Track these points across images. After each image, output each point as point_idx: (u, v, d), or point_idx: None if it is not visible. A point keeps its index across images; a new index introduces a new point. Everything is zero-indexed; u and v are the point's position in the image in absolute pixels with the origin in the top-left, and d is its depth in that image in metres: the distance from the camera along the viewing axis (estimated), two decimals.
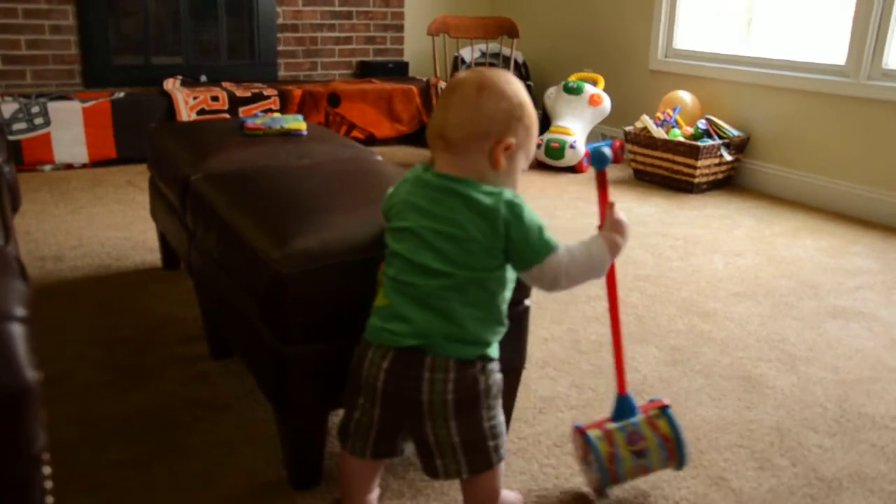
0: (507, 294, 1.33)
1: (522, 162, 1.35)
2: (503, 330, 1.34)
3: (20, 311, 0.67)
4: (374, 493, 1.45)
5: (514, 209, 1.26)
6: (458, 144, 1.29)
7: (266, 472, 1.57)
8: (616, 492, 1.54)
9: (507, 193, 1.28)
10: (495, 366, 1.32)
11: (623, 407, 1.53)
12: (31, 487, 0.66)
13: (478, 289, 1.26)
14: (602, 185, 1.44)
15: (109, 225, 3.13)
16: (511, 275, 1.32)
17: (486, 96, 1.29)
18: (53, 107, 3.94)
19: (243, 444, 1.67)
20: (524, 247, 1.25)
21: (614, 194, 3.90)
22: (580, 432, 1.50)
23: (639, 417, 1.51)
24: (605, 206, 1.42)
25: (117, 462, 1.59)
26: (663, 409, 1.51)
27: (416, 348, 1.25)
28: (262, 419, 1.75)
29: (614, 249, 1.36)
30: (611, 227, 1.38)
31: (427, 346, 1.25)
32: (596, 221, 1.45)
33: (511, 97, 1.30)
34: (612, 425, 1.50)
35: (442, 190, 1.28)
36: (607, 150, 1.41)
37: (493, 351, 1.31)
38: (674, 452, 1.49)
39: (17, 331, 0.65)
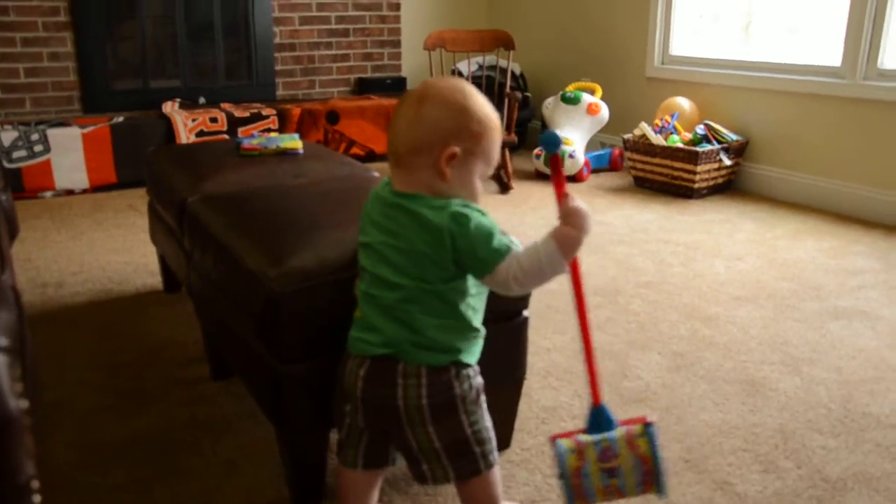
0: (474, 301, 1.31)
1: (479, 168, 1.30)
2: (477, 335, 1.33)
3: (3, 342, 0.67)
4: None
5: (460, 220, 1.23)
6: (404, 159, 1.28)
7: (267, 491, 1.57)
8: (621, 501, 1.53)
9: (455, 204, 1.25)
10: (472, 371, 1.32)
11: (597, 418, 1.36)
12: None
13: (436, 299, 1.26)
14: (555, 169, 1.32)
15: (110, 249, 3.14)
16: (474, 282, 1.30)
17: (426, 107, 1.27)
18: (53, 133, 3.96)
19: (245, 463, 1.66)
20: (472, 257, 1.24)
21: (616, 202, 3.90)
22: (552, 441, 1.36)
23: (617, 432, 1.33)
24: (561, 191, 1.31)
25: (118, 486, 1.59)
26: (645, 427, 1.31)
27: (388, 357, 1.27)
28: (263, 438, 1.75)
29: (569, 245, 1.26)
30: (565, 219, 1.28)
31: (398, 354, 1.27)
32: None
33: (452, 104, 1.26)
34: (585, 437, 1.33)
35: (393, 206, 1.29)
36: (557, 132, 1.36)
37: (468, 357, 1.31)
38: (650, 477, 1.30)
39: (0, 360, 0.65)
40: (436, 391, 1.27)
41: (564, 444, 1.32)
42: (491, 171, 1.33)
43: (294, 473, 1.50)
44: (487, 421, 1.35)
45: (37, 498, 0.69)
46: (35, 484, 0.68)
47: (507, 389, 1.62)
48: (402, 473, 1.60)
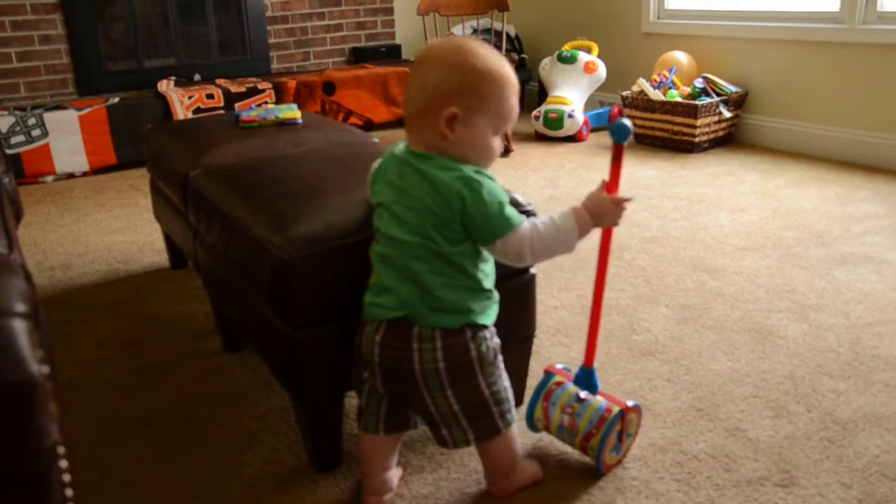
0: (483, 265, 1.31)
1: (490, 124, 1.28)
2: (489, 297, 1.33)
3: (21, 307, 0.68)
4: (395, 472, 1.47)
5: (472, 185, 1.24)
6: (413, 123, 1.30)
7: (287, 458, 1.59)
8: (634, 449, 1.55)
9: (468, 169, 1.26)
10: (488, 333, 1.32)
11: (585, 379, 1.51)
12: (47, 481, 0.68)
13: (443, 262, 1.27)
14: (617, 158, 1.35)
15: (115, 230, 3.15)
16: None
17: (426, 70, 1.28)
18: (49, 117, 3.95)
19: (263, 433, 1.68)
20: (482, 223, 1.25)
21: None
22: (545, 372, 1.56)
23: (596, 402, 1.47)
24: (616, 181, 1.35)
25: (139, 459, 1.62)
26: (620, 410, 1.45)
27: (403, 320, 1.28)
28: (279, 407, 1.77)
29: (585, 228, 1.32)
30: (595, 205, 1.33)
31: (412, 317, 1.27)
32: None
33: (451, 64, 1.26)
34: (571, 386, 1.52)
35: (406, 164, 1.30)
36: (628, 122, 1.33)
37: (483, 318, 1.32)
38: (596, 440, 1.45)
39: (19, 326, 0.66)
40: (452, 354, 1.28)
41: (553, 376, 1.54)
42: (509, 126, 1.32)
43: (311, 440, 1.52)
44: (505, 381, 1.37)
45: (63, 463, 0.70)
46: (61, 449, 0.69)
47: (517, 347, 1.63)
48: (416, 434, 1.62)
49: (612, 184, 1.36)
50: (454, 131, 1.26)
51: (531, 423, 1.56)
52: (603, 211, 1.34)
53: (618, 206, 1.35)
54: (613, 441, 1.46)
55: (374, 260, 1.34)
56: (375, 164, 1.42)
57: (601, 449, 1.44)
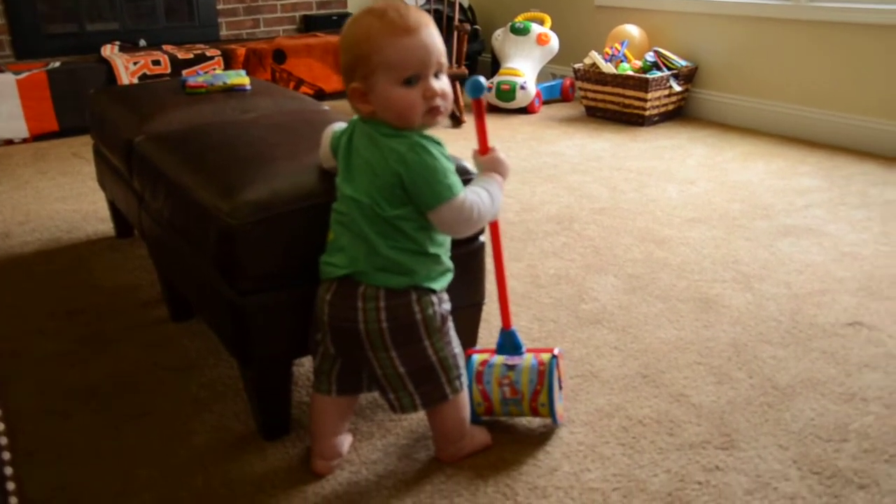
0: (433, 232, 1.31)
1: (388, 84, 1.24)
2: (435, 262, 1.34)
3: None
4: (345, 438, 1.47)
5: (416, 150, 1.25)
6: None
7: (235, 426, 1.58)
8: (581, 415, 1.58)
9: (415, 135, 1.26)
10: (435, 298, 1.33)
11: (507, 342, 1.53)
12: None
13: (385, 223, 1.27)
14: (479, 114, 1.41)
15: (57, 198, 3.06)
16: None
17: (340, 44, 1.31)
18: None
19: (211, 401, 1.67)
20: (424, 188, 1.25)
21: (568, 132, 3.91)
22: (466, 355, 1.52)
23: (526, 360, 1.50)
24: (484, 134, 1.42)
25: (84, 427, 1.59)
26: (551, 357, 1.49)
27: (350, 278, 1.29)
28: (227, 376, 1.76)
29: (501, 191, 1.39)
30: (493, 166, 1.39)
31: (359, 276, 1.29)
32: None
33: (342, 44, 1.28)
34: (496, 358, 1.52)
35: (361, 127, 1.32)
36: (482, 79, 1.38)
37: (430, 282, 1.32)
38: (543, 397, 1.47)
39: None
40: (395, 315, 1.29)
41: (476, 357, 1.52)
42: (413, 66, 1.24)
43: (260, 407, 1.52)
44: (455, 347, 1.37)
45: (2, 440, 0.68)
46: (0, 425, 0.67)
47: (466, 314, 1.64)
48: (365, 401, 1.63)
49: (481, 142, 1.42)
50: (369, 102, 1.27)
51: (472, 412, 1.51)
52: (498, 167, 1.40)
53: (500, 158, 1.41)
54: (557, 389, 1.49)
55: (332, 218, 1.35)
56: (333, 127, 1.43)
57: (552, 401, 1.46)
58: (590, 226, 2.63)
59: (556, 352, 1.50)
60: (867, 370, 1.73)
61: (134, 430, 1.58)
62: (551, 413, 1.48)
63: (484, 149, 1.41)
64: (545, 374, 1.46)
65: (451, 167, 1.27)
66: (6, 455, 0.68)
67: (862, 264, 2.28)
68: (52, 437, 1.56)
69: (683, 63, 4.04)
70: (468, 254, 1.59)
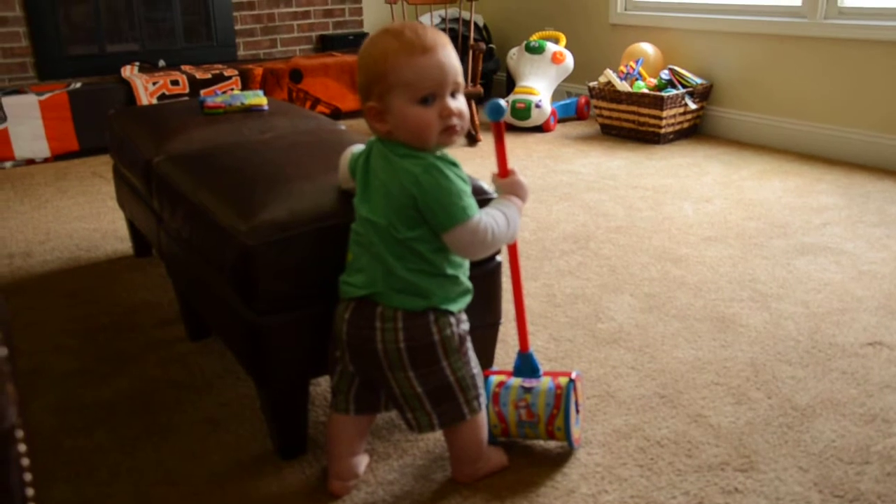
0: (450, 253, 1.31)
1: (403, 103, 1.24)
2: (454, 284, 1.33)
3: None
4: (362, 458, 1.47)
5: (431, 172, 1.25)
6: None
7: (252, 445, 1.58)
8: (598, 436, 1.57)
9: (430, 157, 1.27)
10: (453, 319, 1.33)
11: (525, 365, 1.53)
12: (5, 464, 0.66)
13: (401, 244, 1.27)
14: (499, 136, 1.42)
15: (77, 217, 3.09)
16: None
17: (357, 63, 1.32)
18: (8, 102, 3.86)
19: (228, 420, 1.67)
20: (438, 210, 1.25)
21: (583, 150, 3.91)
22: (485, 375, 1.52)
23: (543, 384, 1.48)
24: (504, 156, 1.42)
25: (101, 447, 1.59)
26: (568, 381, 1.47)
27: (368, 299, 1.30)
28: (244, 395, 1.76)
29: (520, 213, 1.39)
30: (511, 189, 1.39)
31: (377, 297, 1.29)
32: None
33: (359, 64, 1.29)
34: (513, 380, 1.51)
35: (377, 148, 1.33)
36: (501, 101, 1.38)
37: (448, 304, 1.32)
38: (560, 421, 1.45)
39: None
40: (413, 335, 1.29)
41: (493, 378, 1.52)
42: (428, 85, 1.24)
43: (276, 427, 1.52)
44: (474, 368, 1.37)
45: (22, 447, 0.69)
46: (19, 433, 0.68)
47: (483, 334, 1.64)
48: (382, 421, 1.62)
49: (501, 165, 1.42)
50: (385, 121, 1.28)
51: (489, 433, 1.50)
52: (517, 190, 1.40)
53: (520, 182, 1.41)
54: (574, 413, 1.48)
55: (351, 239, 1.36)
56: (352, 149, 1.44)
57: (568, 425, 1.45)
58: (606, 244, 2.62)
59: (573, 375, 1.49)
60: (888, 391, 1.71)
61: (151, 448, 1.58)
62: (567, 437, 1.47)
63: (503, 171, 1.41)
64: (562, 398, 1.45)
65: (466, 189, 1.28)
66: (28, 476, 0.68)
67: (881, 283, 2.26)
68: (69, 455, 1.57)
69: (698, 81, 4.04)
70: (484, 274, 1.59)
